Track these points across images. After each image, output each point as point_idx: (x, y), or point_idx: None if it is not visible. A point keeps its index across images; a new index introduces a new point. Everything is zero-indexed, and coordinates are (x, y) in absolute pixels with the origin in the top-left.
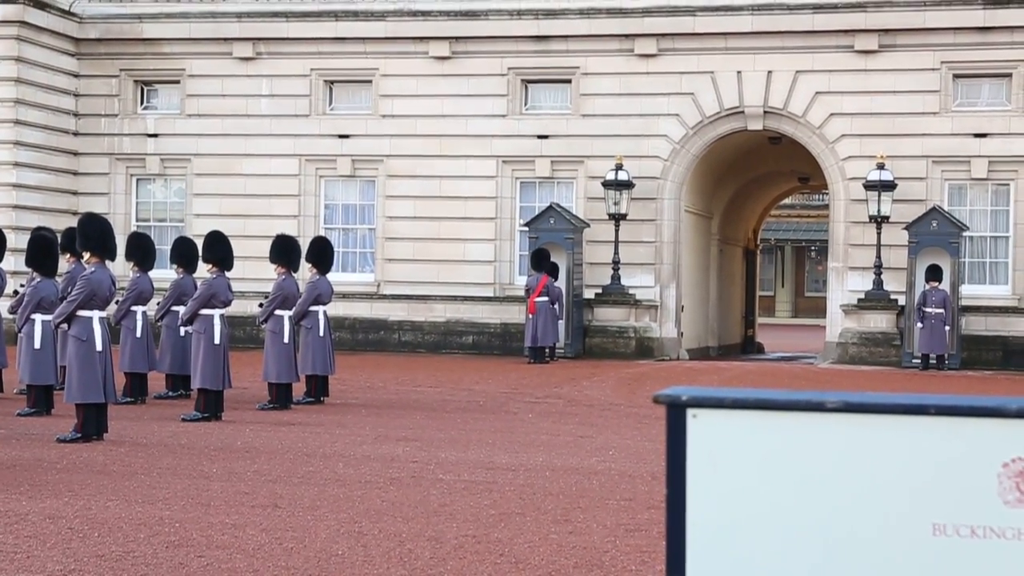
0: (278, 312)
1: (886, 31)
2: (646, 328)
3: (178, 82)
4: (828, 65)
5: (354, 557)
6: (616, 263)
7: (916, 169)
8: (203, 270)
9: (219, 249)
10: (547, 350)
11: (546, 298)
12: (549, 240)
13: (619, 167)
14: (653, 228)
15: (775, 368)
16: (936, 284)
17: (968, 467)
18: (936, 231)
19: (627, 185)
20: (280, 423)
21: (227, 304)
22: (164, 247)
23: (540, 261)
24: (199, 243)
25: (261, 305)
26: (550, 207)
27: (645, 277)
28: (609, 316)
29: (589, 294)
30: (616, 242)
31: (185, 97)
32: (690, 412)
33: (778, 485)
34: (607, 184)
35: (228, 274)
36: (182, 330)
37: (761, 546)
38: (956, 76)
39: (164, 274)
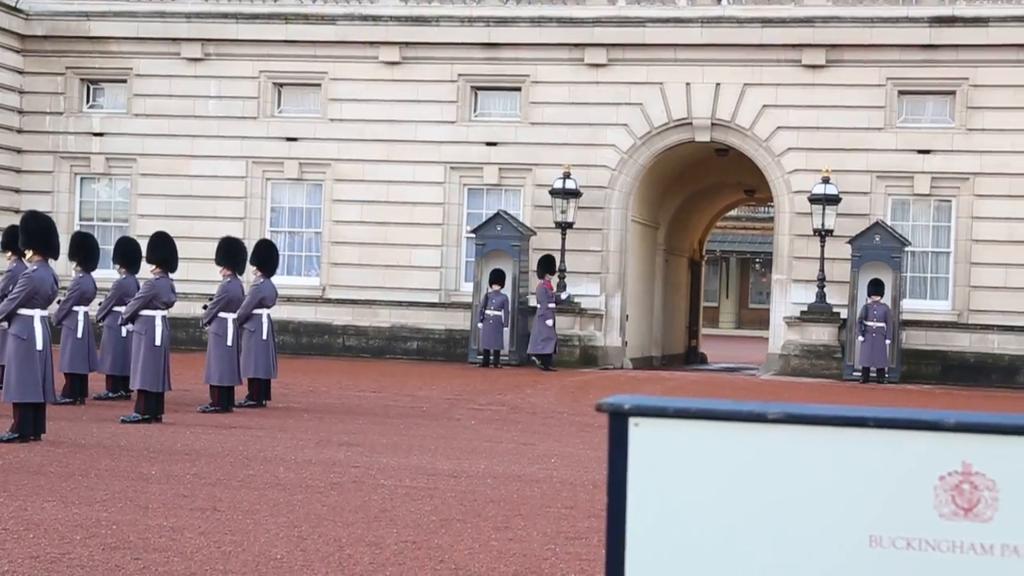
0: (222, 314)
1: (833, 46)
2: (591, 337)
3: (125, 81)
4: (776, 79)
5: (293, 562)
6: (562, 271)
7: (860, 184)
8: (146, 271)
9: (163, 250)
10: (491, 355)
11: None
12: (496, 248)
13: (567, 176)
14: (600, 237)
15: (718, 379)
16: (878, 298)
17: (905, 480)
18: (879, 245)
19: (574, 194)
20: (221, 426)
21: (169, 305)
22: (108, 247)
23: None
24: (143, 243)
25: (205, 307)
26: (497, 214)
27: (591, 286)
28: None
29: (534, 302)
30: (563, 250)
31: (132, 96)
32: (632, 421)
33: (718, 495)
34: (554, 192)
35: (172, 275)
36: (123, 330)
37: (700, 555)
38: (901, 92)
39: (107, 274)
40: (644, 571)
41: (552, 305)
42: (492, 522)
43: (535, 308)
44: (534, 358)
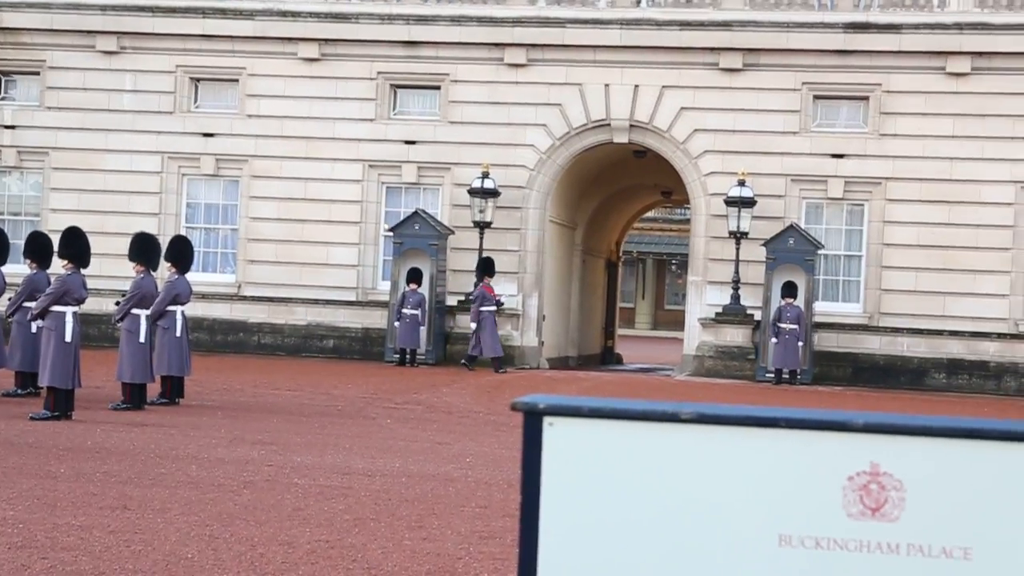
0: (135, 311)
1: (750, 50)
2: (507, 336)
3: (38, 73)
4: (694, 81)
5: (204, 561)
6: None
7: (775, 187)
8: (58, 266)
9: (75, 245)
10: (408, 354)
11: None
12: (413, 246)
13: (485, 175)
14: (517, 237)
15: (633, 379)
16: (791, 300)
17: (815, 480)
18: (793, 248)
19: (493, 193)
20: (133, 424)
21: (81, 302)
22: (18, 241)
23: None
24: (55, 238)
25: (118, 303)
26: (415, 213)
27: (508, 286)
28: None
29: (452, 301)
30: (480, 250)
31: (45, 89)
32: (547, 420)
33: (631, 494)
34: (473, 192)
35: (84, 271)
36: (33, 326)
37: (613, 554)
38: (816, 97)
39: (17, 269)
40: (557, 570)
41: (493, 308)
42: (406, 521)
43: (452, 307)
44: (491, 360)
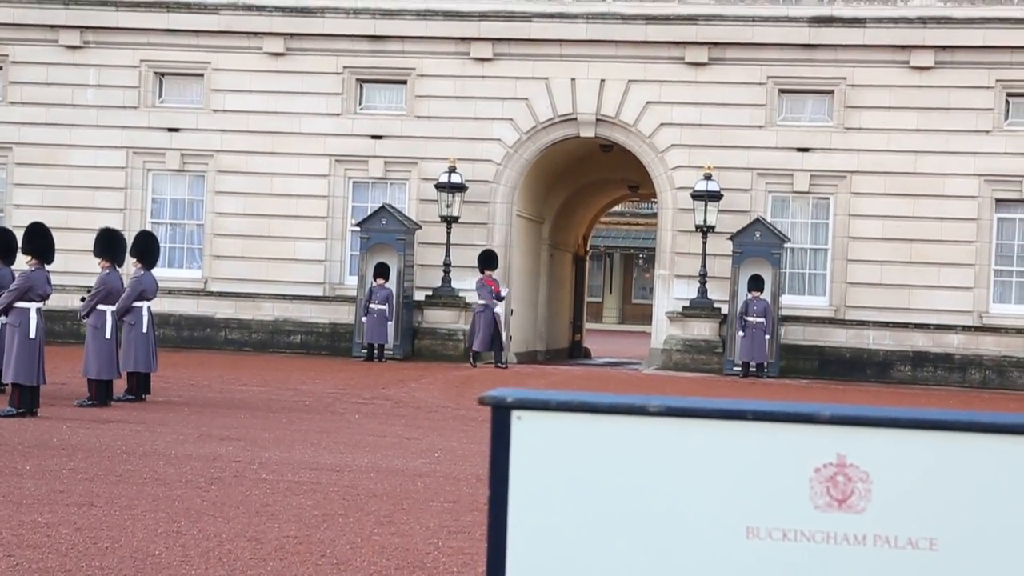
0: (100, 307)
1: (716, 44)
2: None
3: (0, 68)
4: (660, 76)
5: (171, 557)
6: (447, 265)
7: (741, 181)
8: (23, 262)
9: (40, 241)
10: (376, 349)
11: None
12: (380, 241)
13: (452, 170)
14: (485, 231)
15: (601, 373)
16: (758, 294)
17: (782, 471)
18: (759, 242)
19: (460, 188)
20: (99, 420)
21: (45, 298)
22: None
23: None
24: (19, 234)
25: (83, 299)
26: (382, 208)
27: (476, 280)
28: (439, 318)
29: (420, 296)
30: (448, 244)
31: (8, 84)
32: (515, 414)
33: (600, 487)
34: (440, 186)
35: (49, 267)
36: None
37: (581, 548)
38: (782, 91)
39: None
40: (525, 564)
41: (496, 301)
42: (375, 517)
43: (419, 302)
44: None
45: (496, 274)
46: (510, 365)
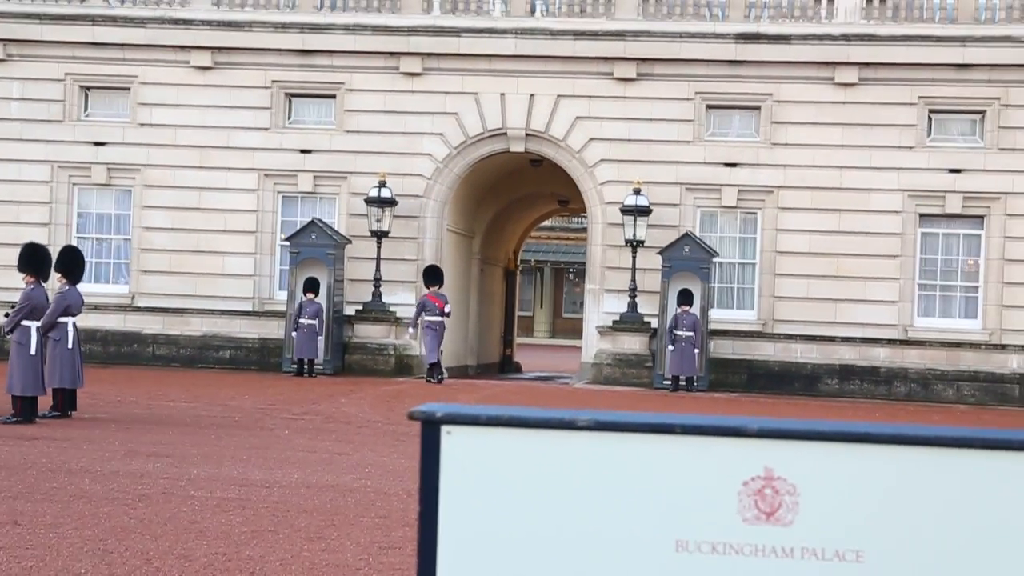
0: (25, 323)
1: (644, 60)
2: (406, 346)
3: None
4: (588, 91)
5: None
6: (377, 280)
7: (670, 195)
8: None
9: None
10: (306, 364)
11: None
12: (310, 256)
13: (382, 184)
14: (415, 246)
15: (532, 387)
16: (687, 308)
17: (711, 485)
18: (688, 256)
19: (390, 202)
20: (24, 437)
21: None
22: None
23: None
24: None
25: (7, 315)
26: (312, 222)
27: (406, 295)
28: (369, 333)
29: (350, 311)
30: (378, 259)
31: None
32: (444, 429)
33: (530, 502)
34: (370, 201)
35: None
36: None
37: (511, 563)
38: (709, 107)
39: None
40: None
41: (437, 318)
42: (305, 533)
43: (350, 317)
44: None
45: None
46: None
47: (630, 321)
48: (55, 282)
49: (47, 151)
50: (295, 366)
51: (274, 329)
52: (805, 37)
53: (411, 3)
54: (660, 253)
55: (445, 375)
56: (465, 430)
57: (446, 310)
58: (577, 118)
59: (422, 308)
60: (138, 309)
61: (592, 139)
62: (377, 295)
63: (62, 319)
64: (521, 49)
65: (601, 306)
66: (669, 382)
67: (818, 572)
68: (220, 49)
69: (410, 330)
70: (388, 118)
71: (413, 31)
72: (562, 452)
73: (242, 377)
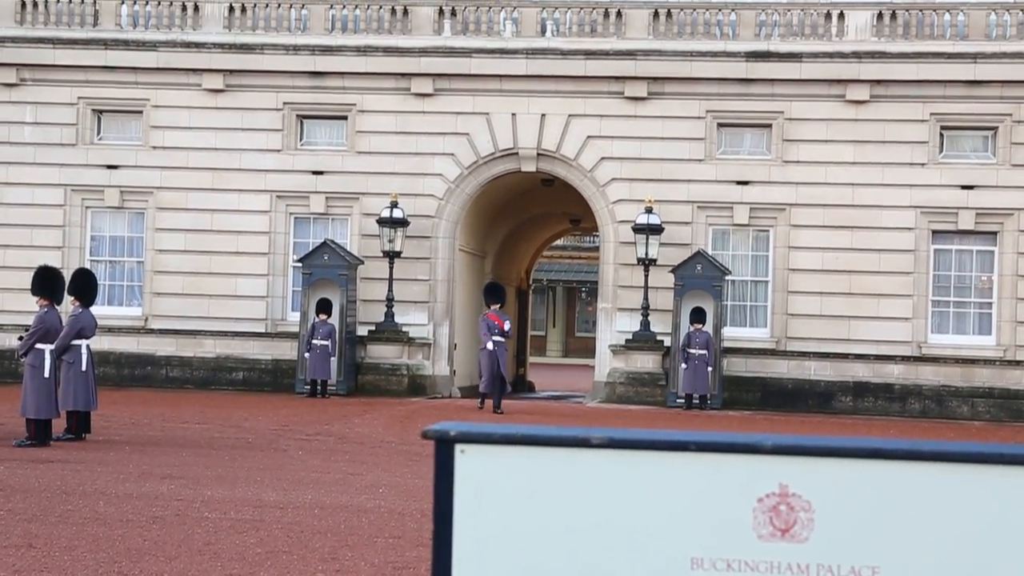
0: (39, 346)
1: (655, 79)
2: (419, 366)
3: None
4: (600, 110)
5: None
6: (390, 300)
7: (682, 214)
8: None
9: None
10: (319, 385)
11: (500, 337)
12: (323, 276)
13: (394, 205)
14: (427, 266)
15: (545, 406)
16: (700, 326)
17: (725, 502)
18: (700, 274)
19: (402, 223)
20: (38, 460)
21: None
22: None
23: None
24: None
25: (21, 338)
26: (324, 243)
27: (418, 315)
28: (382, 353)
29: (363, 331)
30: (390, 279)
31: None
32: (458, 448)
33: (544, 520)
34: (382, 221)
35: None
36: None
37: None
38: (720, 125)
39: None
40: None
41: (499, 339)
42: (319, 553)
43: (362, 337)
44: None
45: (438, 309)
46: (453, 399)
47: (643, 339)
48: (68, 305)
49: (60, 175)
50: (308, 387)
51: (287, 350)
52: (816, 55)
53: (422, 24)
54: (672, 271)
55: (502, 410)
56: (479, 448)
57: (506, 328)
58: (588, 137)
59: (488, 328)
60: (151, 331)
61: (603, 158)
62: (390, 315)
63: (76, 342)
64: (532, 69)
65: (614, 325)
66: (682, 400)
67: None
68: (232, 72)
69: (488, 345)
70: (400, 139)
71: (424, 52)
72: (576, 470)
73: (255, 398)
